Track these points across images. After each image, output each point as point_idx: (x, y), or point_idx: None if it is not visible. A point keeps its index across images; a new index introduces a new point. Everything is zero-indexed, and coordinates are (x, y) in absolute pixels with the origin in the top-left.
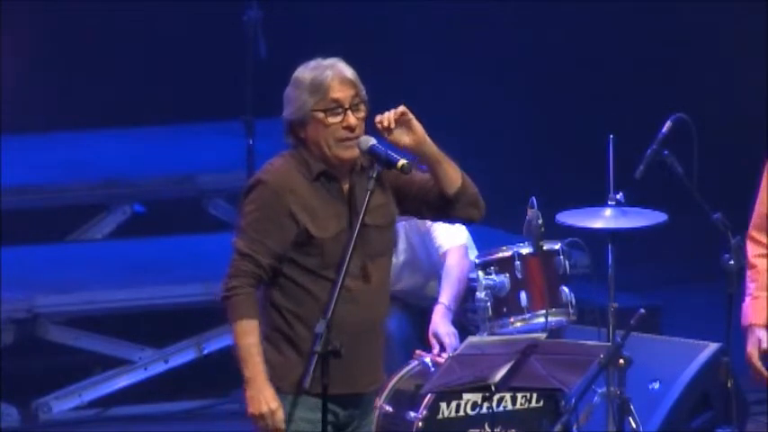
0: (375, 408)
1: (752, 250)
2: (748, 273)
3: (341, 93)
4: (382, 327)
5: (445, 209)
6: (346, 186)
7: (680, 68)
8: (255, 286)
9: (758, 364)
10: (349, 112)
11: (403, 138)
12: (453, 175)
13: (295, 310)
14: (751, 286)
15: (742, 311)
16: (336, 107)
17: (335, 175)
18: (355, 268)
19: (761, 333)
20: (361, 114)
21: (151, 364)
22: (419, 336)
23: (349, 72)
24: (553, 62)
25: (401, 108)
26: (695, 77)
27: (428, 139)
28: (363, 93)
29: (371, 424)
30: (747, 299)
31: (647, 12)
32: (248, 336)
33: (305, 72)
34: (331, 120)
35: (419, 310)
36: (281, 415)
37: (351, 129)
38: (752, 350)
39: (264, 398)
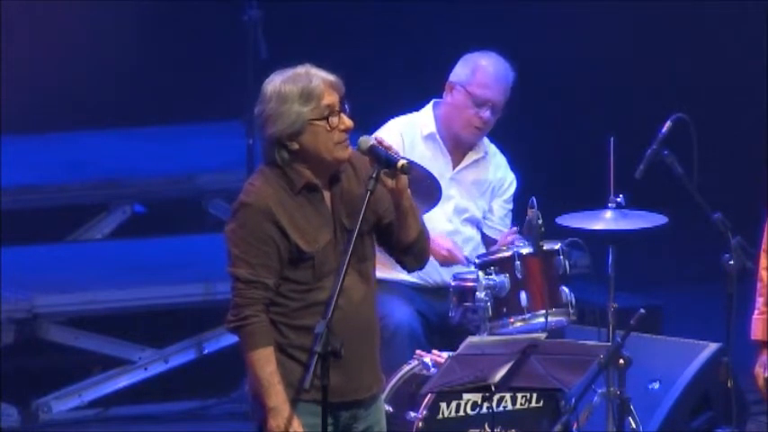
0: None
1: (762, 262)
2: (757, 285)
3: (331, 97)
4: (374, 330)
5: (393, 250)
6: (328, 195)
7: (679, 69)
8: (267, 311)
9: (763, 385)
10: (342, 115)
11: (389, 179)
12: (412, 228)
13: (288, 322)
14: (759, 300)
15: (752, 323)
16: (330, 112)
17: (317, 185)
18: (349, 273)
19: (766, 356)
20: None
21: (151, 364)
22: (425, 330)
23: (330, 76)
24: (553, 62)
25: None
26: (695, 77)
27: (408, 192)
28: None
29: (381, 422)
30: (756, 313)
31: (647, 12)
32: (268, 364)
33: (286, 85)
34: (331, 125)
35: (427, 297)
36: None
37: (348, 130)
38: (758, 370)
39: (292, 427)
